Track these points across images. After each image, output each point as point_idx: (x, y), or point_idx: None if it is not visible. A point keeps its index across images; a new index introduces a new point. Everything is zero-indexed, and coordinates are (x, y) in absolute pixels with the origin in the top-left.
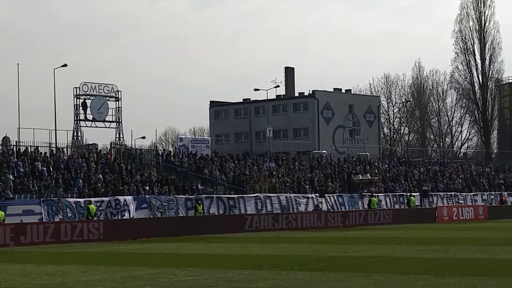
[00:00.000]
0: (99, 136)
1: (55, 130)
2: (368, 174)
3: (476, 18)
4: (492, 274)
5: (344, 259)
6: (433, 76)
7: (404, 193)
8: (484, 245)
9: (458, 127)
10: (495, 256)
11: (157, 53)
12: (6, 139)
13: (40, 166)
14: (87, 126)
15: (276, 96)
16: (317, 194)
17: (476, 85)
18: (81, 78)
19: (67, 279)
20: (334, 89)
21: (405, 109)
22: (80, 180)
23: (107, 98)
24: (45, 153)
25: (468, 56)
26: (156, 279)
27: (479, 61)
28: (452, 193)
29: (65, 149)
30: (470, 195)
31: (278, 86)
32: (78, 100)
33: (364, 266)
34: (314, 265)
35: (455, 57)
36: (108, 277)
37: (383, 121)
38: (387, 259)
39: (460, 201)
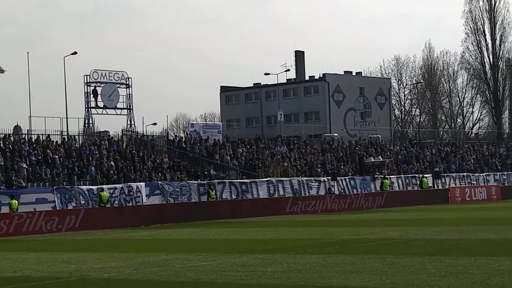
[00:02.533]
0: (111, 123)
1: (66, 118)
2: (380, 157)
3: None
4: (506, 254)
5: (357, 242)
6: (443, 57)
7: (416, 175)
8: (498, 225)
9: (469, 108)
10: (509, 236)
11: (166, 38)
12: (17, 127)
13: (52, 154)
14: (98, 114)
15: (287, 80)
16: (329, 178)
17: (487, 65)
18: (91, 66)
19: (82, 266)
20: (344, 72)
21: (416, 90)
22: (93, 168)
23: (118, 85)
24: (57, 141)
25: (479, 36)
26: (171, 265)
27: (489, 41)
28: (465, 173)
29: (76, 137)
30: (483, 175)
31: (288, 70)
32: (88, 87)
33: (378, 248)
34: (328, 248)
35: (465, 38)
36: (123, 264)
37: (394, 103)
38: (401, 241)
39: (473, 182)
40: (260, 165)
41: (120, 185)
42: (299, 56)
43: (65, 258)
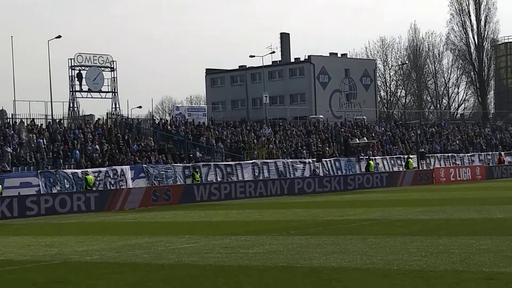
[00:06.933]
0: (95, 107)
1: (51, 102)
2: (364, 138)
3: None
4: (487, 233)
5: (340, 223)
6: (429, 38)
7: (401, 156)
8: (481, 205)
9: (454, 88)
10: (491, 215)
11: (151, 21)
12: (2, 112)
13: (36, 138)
14: (83, 97)
15: (272, 62)
16: (314, 159)
17: (472, 46)
18: (75, 49)
19: (65, 249)
20: (330, 53)
21: (402, 71)
22: (77, 151)
23: (102, 68)
24: (41, 125)
25: (464, 17)
26: (153, 248)
27: (474, 22)
28: (449, 154)
29: (61, 121)
30: (467, 155)
31: (273, 52)
32: (73, 71)
33: (361, 229)
34: (311, 229)
35: (450, 19)
36: (105, 247)
37: (379, 84)
38: (384, 222)
39: (457, 162)
40: (245, 147)
41: (105, 169)
42: (284, 38)
43: (48, 241)
